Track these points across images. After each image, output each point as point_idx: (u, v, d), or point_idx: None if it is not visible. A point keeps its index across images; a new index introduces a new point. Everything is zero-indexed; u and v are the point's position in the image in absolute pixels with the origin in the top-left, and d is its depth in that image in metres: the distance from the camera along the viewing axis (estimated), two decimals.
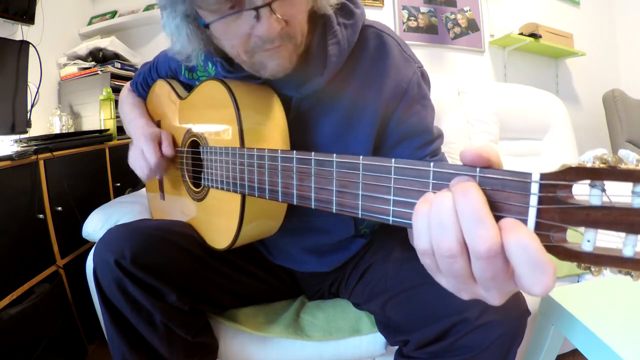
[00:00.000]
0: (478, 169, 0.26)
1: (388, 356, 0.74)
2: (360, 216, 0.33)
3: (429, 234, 0.26)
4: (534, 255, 0.22)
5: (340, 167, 0.34)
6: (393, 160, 0.30)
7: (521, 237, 0.23)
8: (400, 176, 0.30)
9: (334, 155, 0.34)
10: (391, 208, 0.30)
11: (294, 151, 0.39)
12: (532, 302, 0.57)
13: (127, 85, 0.88)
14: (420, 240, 0.27)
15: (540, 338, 0.78)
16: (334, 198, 0.35)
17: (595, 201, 0.22)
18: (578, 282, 0.96)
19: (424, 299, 0.57)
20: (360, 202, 0.32)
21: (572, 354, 1.06)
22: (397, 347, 0.63)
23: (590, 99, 2.51)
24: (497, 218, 0.25)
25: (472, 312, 0.52)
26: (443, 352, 0.55)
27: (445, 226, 0.25)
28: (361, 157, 0.32)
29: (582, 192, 0.23)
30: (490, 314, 0.52)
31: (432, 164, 0.28)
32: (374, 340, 0.73)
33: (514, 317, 0.52)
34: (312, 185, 0.37)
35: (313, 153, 0.36)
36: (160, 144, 0.66)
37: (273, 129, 0.56)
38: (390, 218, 0.30)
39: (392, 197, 0.30)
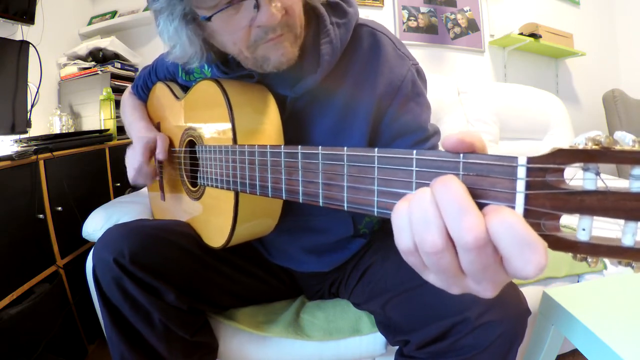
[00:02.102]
0: (461, 155, 0.25)
1: (388, 356, 0.74)
2: (346, 208, 0.32)
3: (410, 231, 0.25)
4: (521, 233, 0.21)
5: (325, 160, 0.33)
6: (376, 150, 0.29)
7: (505, 217, 0.22)
8: (384, 165, 0.29)
9: (319, 147, 0.34)
10: (375, 199, 0.30)
11: (282, 145, 0.39)
12: (532, 302, 0.57)
13: (128, 88, 0.89)
14: (401, 238, 0.26)
15: (540, 338, 0.78)
16: (320, 191, 0.34)
17: (590, 186, 0.21)
18: (578, 282, 0.96)
19: (424, 299, 0.57)
20: (345, 194, 0.32)
21: (572, 354, 1.06)
22: (397, 347, 0.63)
23: (590, 99, 2.51)
24: (484, 206, 0.24)
25: (472, 311, 0.52)
26: (443, 352, 0.55)
27: (427, 221, 0.24)
28: (345, 148, 0.31)
29: (575, 176, 0.22)
30: (491, 313, 0.51)
31: (414, 151, 0.27)
32: (374, 340, 0.73)
33: (514, 316, 0.52)
34: (300, 179, 0.37)
35: (300, 147, 0.36)
36: (154, 149, 0.68)
37: (267, 127, 0.57)
38: (375, 209, 0.30)
39: (376, 188, 0.30)
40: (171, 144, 0.71)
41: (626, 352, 0.56)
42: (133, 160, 0.68)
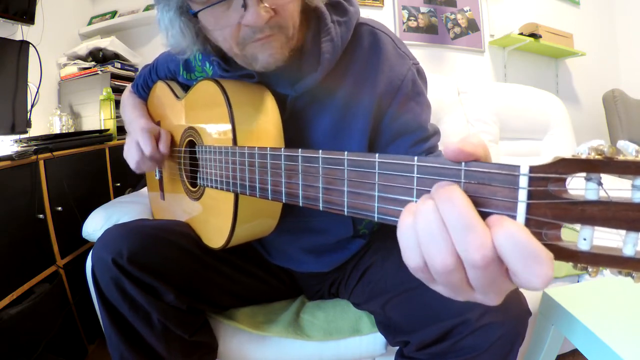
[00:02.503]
0: (463, 163, 0.25)
1: (388, 356, 0.74)
2: (346, 213, 0.32)
3: (418, 249, 0.25)
4: (525, 245, 0.21)
5: (326, 164, 0.33)
6: (377, 155, 0.29)
7: (508, 230, 0.21)
8: (385, 171, 0.29)
9: (320, 151, 0.34)
10: (376, 205, 0.29)
11: (282, 148, 0.39)
12: (532, 302, 0.57)
13: (128, 87, 0.89)
14: (410, 257, 0.25)
15: (540, 338, 0.78)
16: (320, 195, 0.34)
17: (591, 196, 0.21)
18: (578, 282, 0.96)
19: (424, 300, 0.57)
20: (345, 199, 0.32)
21: (572, 354, 1.06)
22: (397, 347, 0.63)
23: (590, 99, 2.51)
24: (485, 214, 0.23)
25: (473, 313, 0.52)
26: (444, 354, 0.54)
27: (435, 239, 0.23)
28: (346, 152, 0.31)
29: (577, 186, 0.22)
30: (491, 315, 0.51)
31: (415, 158, 0.27)
32: (374, 340, 0.73)
33: (514, 318, 0.52)
34: (300, 183, 0.36)
35: (300, 150, 0.36)
36: (157, 141, 0.67)
37: (267, 127, 0.56)
38: (376, 215, 0.30)
39: (376, 194, 0.29)
40: (172, 143, 0.71)
41: (626, 352, 0.56)
42: (136, 150, 0.66)
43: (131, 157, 0.68)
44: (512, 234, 0.21)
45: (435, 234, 0.23)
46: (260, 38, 0.49)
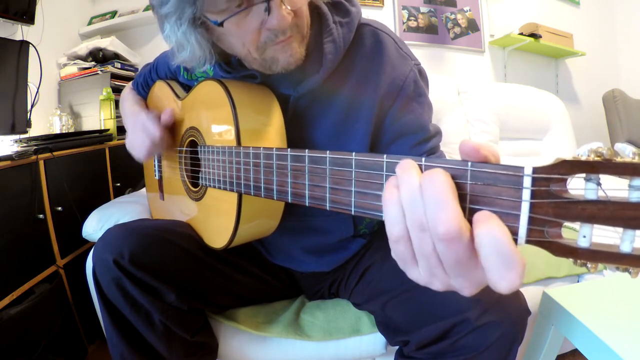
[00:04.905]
0: (470, 163, 0.26)
1: (388, 356, 0.74)
2: (353, 213, 0.33)
3: (402, 216, 0.26)
4: (502, 248, 0.22)
5: (333, 164, 0.34)
6: (385, 156, 0.30)
7: (491, 228, 0.23)
8: (393, 172, 0.29)
9: (327, 152, 0.34)
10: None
11: (289, 149, 0.39)
12: (532, 302, 0.57)
13: (129, 84, 0.89)
14: (394, 225, 0.27)
15: (540, 338, 0.78)
16: (327, 195, 0.35)
17: (591, 195, 0.22)
18: (578, 282, 0.96)
19: (424, 299, 0.57)
20: (353, 199, 0.32)
21: (572, 354, 1.06)
22: (397, 347, 0.63)
23: (590, 99, 2.51)
24: None
25: (472, 312, 0.52)
26: (443, 353, 0.55)
27: (416, 202, 0.25)
28: (354, 153, 0.32)
29: (577, 186, 0.23)
30: (491, 314, 0.51)
31: (423, 159, 0.28)
32: (374, 340, 0.73)
33: (514, 317, 0.52)
34: (306, 183, 0.37)
35: (307, 150, 0.36)
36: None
37: (270, 128, 0.56)
38: (383, 214, 0.30)
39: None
40: (172, 142, 0.71)
41: (626, 352, 0.56)
42: (145, 134, 0.65)
43: (140, 142, 0.66)
44: (493, 232, 0.23)
45: (416, 198, 0.26)
46: (281, 40, 0.49)
